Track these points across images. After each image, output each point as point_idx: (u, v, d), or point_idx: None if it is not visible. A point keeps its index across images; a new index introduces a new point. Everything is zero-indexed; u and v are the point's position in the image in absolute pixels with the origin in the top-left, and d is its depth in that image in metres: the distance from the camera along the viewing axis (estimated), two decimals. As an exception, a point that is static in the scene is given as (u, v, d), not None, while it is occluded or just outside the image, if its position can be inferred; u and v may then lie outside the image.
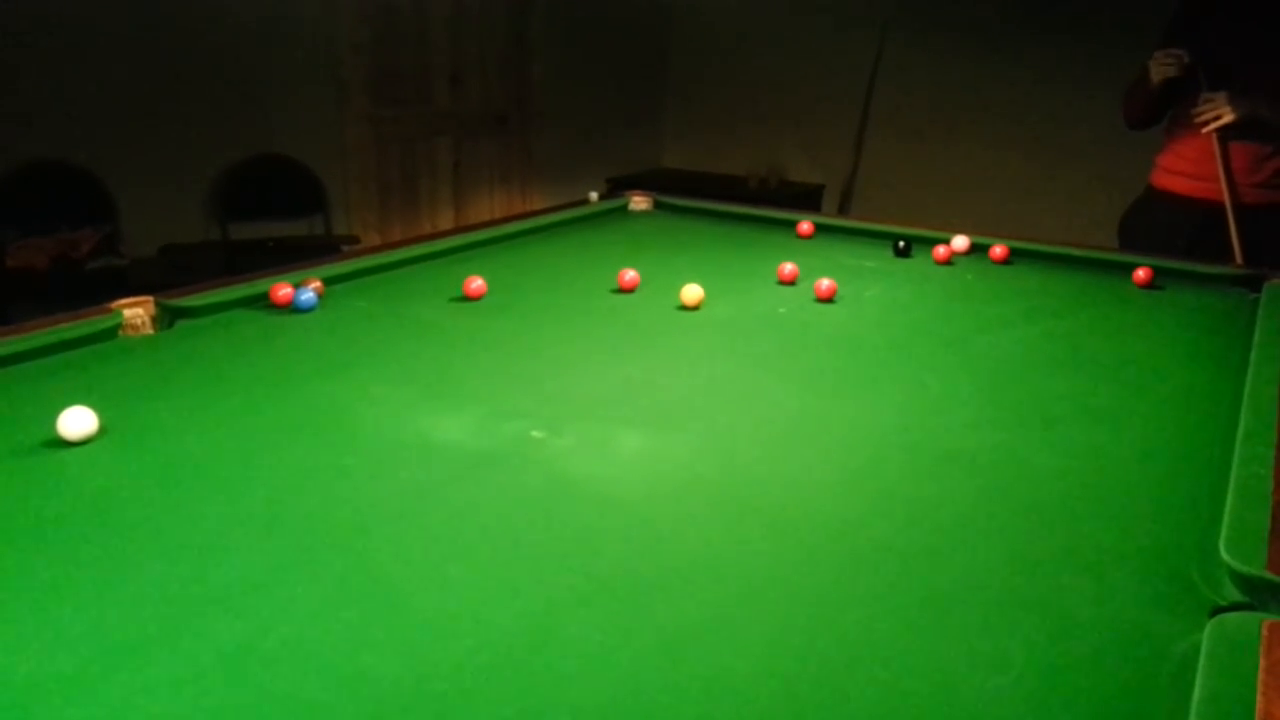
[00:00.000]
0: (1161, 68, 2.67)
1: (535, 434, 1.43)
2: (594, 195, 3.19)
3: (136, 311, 1.79)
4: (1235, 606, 0.99)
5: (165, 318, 1.83)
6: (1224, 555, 1.06)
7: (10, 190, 3.72)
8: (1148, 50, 2.73)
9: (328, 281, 2.07)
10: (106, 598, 0.99)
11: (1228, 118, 2.55)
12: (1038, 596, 1.05)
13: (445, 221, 5.19)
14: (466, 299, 2.07)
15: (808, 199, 5.65)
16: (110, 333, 1.74)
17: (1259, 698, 0.81)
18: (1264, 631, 0.91)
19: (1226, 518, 1.14)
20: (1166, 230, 2.75)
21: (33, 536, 1.10)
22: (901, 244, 2.63)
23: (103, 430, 1.35)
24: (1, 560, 1.05)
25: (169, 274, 3.72)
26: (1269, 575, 1.00)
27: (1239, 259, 2.61)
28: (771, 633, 0.97)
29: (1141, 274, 2.38)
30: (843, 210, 5.61)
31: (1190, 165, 2.74)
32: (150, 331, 1.80)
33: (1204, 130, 2.61)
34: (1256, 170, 2.66)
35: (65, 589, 1.00)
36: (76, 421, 1.31)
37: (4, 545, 1.08)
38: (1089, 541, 1.17)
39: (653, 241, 2.75)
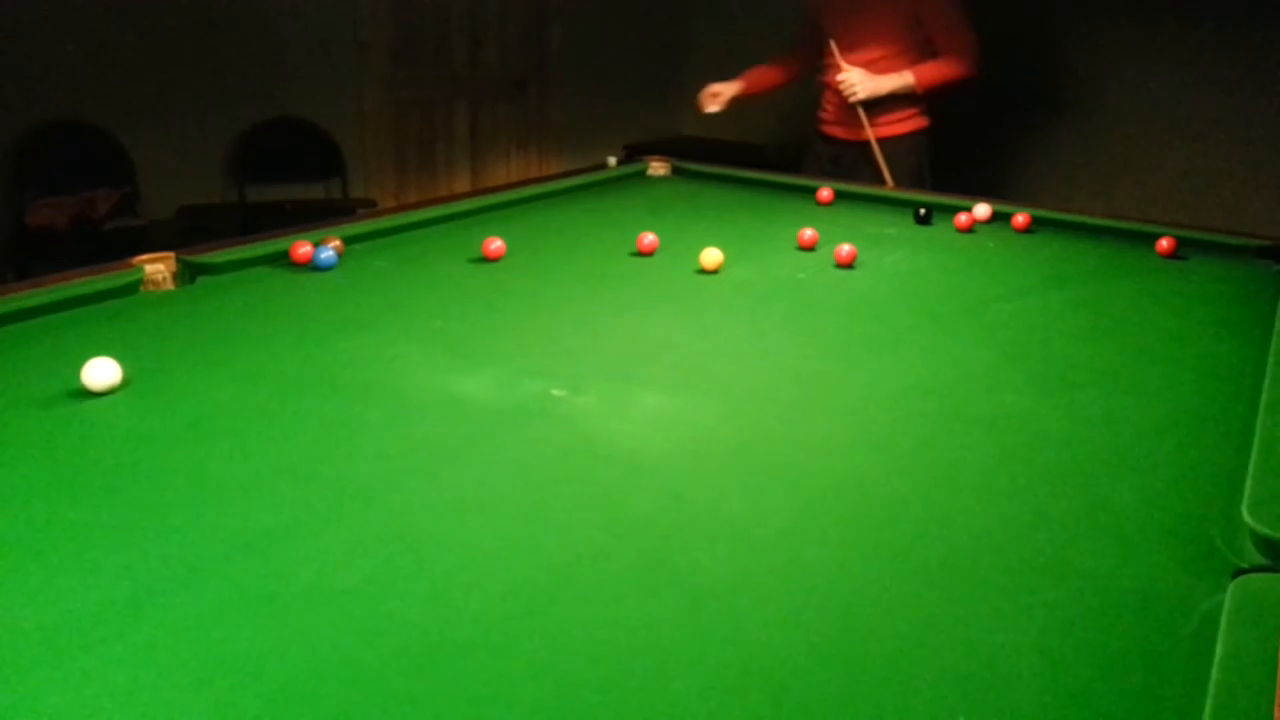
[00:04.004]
0: (707, 103, 3.45)
1: (556, 392, 1.43)
2: (612, 160, 3.17)
3: (158, 267, 1.79)
4: (1257, 569, 0.99)
5: (186, 274, 1.84)
6: (1246, 518, 1.05)
7: (30, 150, 3.73)
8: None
9: (347, 241, 2.08)
10: (132, 543, 1.00)
11: (856, 98, 3.23)
12: (1058, 558, 1.05)
13: (462, 187, 5.17)
14: (485, 260, 2.07)
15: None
16: (132, 288, 1.75)
17: (1281, 656, 0.81)
18: (1287, 593, 0.91)
19: (1249, 481, 1.14)
20: (830, 162, 3.44)
21: (59, 483, 1.11)
22: (923, 211, 2.62)
23: (126, 381, 1.36)
24: (29, 506, 1.06)
25: (186, 235, 3.73)
26: (1292, 538, 0.99)
27: (890, 182, 3.20)
28: (792, 588, 0.98)
29: (1165, 244, 2.36)
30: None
31: (825, 115, 3.48)
32: (171, 287, 1.80)
33: (849, 101, 3.24)
34: (887, 114, 3.30)
35: (91, 534, 1.01)
36: (100, 372, 1.32)
37: (32, 491, 1.09)
38: (1109, 505, 1.17)
39: (671, 206, 2.74)
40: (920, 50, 3.25)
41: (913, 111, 3.32)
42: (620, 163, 3.18)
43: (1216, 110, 4.30)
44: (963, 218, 2.56)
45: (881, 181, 3.26)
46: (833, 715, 0.80)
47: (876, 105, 3.26)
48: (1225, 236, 2.44)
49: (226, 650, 0.84)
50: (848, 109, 3.31)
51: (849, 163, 3.39)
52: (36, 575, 0.94)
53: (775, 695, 0.82)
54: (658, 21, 6.08)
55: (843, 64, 3.24)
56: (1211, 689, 0.78)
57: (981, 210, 2.62)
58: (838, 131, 3.43)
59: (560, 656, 0.85)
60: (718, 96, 3.45)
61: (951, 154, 3.59)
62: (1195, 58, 4.29)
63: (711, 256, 2.07)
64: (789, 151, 5.60)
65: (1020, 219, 2.57)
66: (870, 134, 3.25)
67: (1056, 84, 4.74)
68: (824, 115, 3.49)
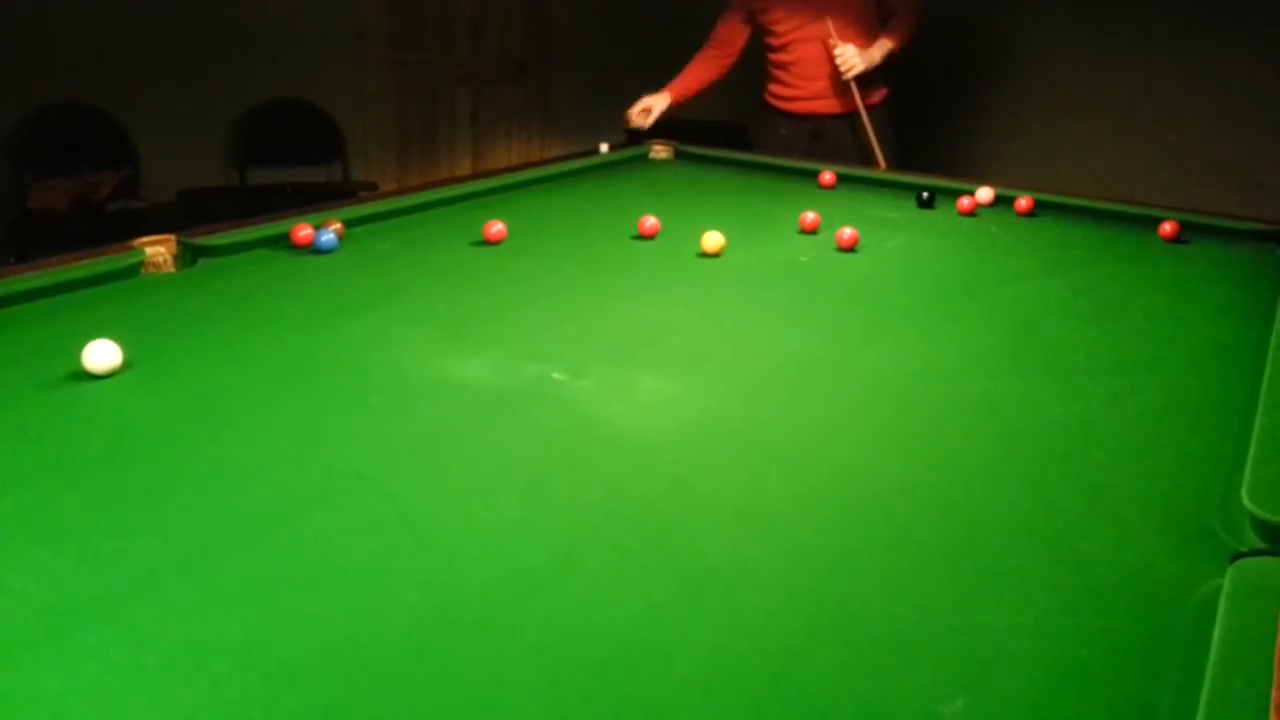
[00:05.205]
0: (636, 119, 3.49)
1: (556, 376, 1.43)
2: (604, 147, 3.13)
3: (158, 249, 1.79)
4: (1256, 553, 0.99)
5: (187, 256, 1.83)
6: (1246, 502, 1.05)
7: (31, 132, 3.72)
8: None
9: (348, 223, 2.07)
10: (134, 525, 1.00)
11: (854, 73, 3.30)
12: (1058, 542, 1.05)
13: (463, 170, 5.16)
14: (486, 243, 2.07)
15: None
16: (132, 270, 1.75)
17: (1279, 638, 0.81)
18: (1285, 576, 0.91)
19: (1249, 466, 1.13)
20: (786, 139, 3.52)
21: (59, 466, 1.12)
22: (925, 195, 2.61)
23: (127, 364, 1.36)
24: (29, 488, 1.06)
25: (187, 218, 3.72)
26: (1292, 522, 0.99)
27: (882, 164, 3.27)
28: (791, 572, 0.98)
29: (1167, 228, 2.35)
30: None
31: (798, 92, 3.52)
32: (172, 270, 1.80)
33: (845, 76, 3.31)
34: (865, 88, 3.38)
35: (93, 516, 1.01)
36: (101, 354, 1.32)
37: (31, 474, 1.09)
38: (1110, 489, 1.17)
39: (673, 190, 2.73)
40: (873, 8, 3.40)
41: (882, 83, 3.48)
42: (620, 146, 3.16)
43: (1224, 92, 4.28)
44: (965, 201, 2.55)
45: (868, 151, 3.36)
46: (831, 697, 0.80)
47: (857, 80, 3.36)
48: (1228, 220, 2.43)
49: (226, 632, 0.84)
50: (838, 84, 3.38)
51: (832, 135, 3.49)
52: (36, 558, 0.94)
53: (774, 677, 0.82)
54: (660, 3, 6.04)
55: (837, 40, 3.30)
56: (1209, 672, 0.79)
57: (984, 194, 2.61)
58: (816, 106, 3.51)
59: (560, 638, 0.86)
60: (649, 112, 3.49)
61: (952, 139, 3.63)
62: (1201, 39, 4.27)
63: (713, 240, 2.07)
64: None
65: (1023, 203, 2.56)
66: (861, 107, 3.35)
67: (1056, 71, 4.73)
68: (786, 92, 3.55)
